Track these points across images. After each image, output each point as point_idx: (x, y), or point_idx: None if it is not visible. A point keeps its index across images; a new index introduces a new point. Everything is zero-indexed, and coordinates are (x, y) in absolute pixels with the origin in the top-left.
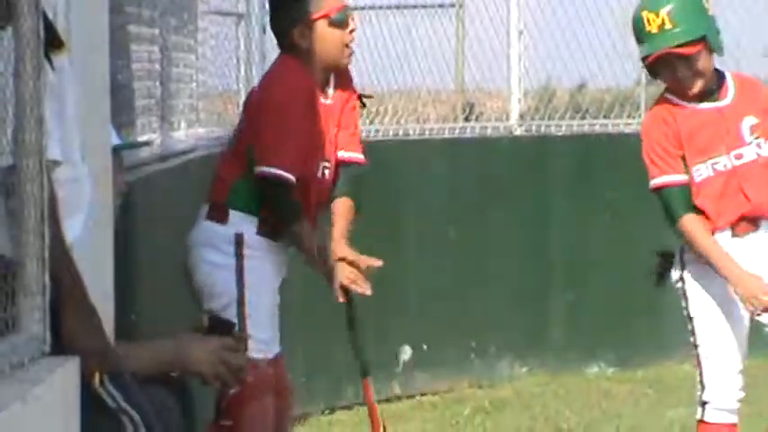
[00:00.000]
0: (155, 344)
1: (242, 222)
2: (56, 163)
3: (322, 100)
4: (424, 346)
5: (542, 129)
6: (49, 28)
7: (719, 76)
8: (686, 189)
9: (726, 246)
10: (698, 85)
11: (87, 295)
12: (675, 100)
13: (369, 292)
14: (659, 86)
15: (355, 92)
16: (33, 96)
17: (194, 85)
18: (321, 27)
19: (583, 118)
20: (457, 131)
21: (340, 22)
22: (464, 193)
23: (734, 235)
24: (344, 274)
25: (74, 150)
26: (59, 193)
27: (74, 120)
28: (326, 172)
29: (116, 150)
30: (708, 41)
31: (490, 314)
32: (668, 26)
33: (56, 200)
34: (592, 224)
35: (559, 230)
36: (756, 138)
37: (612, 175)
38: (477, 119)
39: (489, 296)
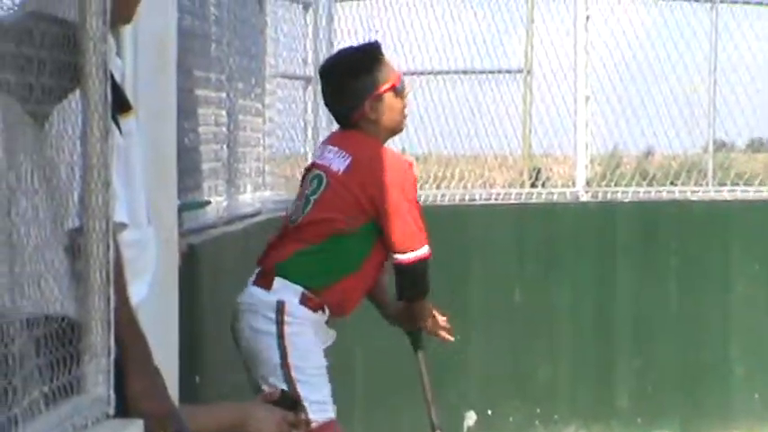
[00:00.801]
0: (219, 406)
1: (285, 290)
2: (122, 225)
3: None
4: (489, 412)
5: (608, 195)
6: (117, 91)
7: None
8: None
9: None
10: None
11: (152, 357)
12: None
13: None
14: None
15: None
16: (100, 159)
17: (261, 148)
18: (389, 98)
19: (650, 185)
20: (523, 197)
21: (402, 92)
22: (530, 258)
23: None
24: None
25: (140, 213)
26: (125, 254)
27: (140, 182)
28: None
29: (177, 212)
30: None
31: (555, 380)
32: None
33: (122, 262)
34: (658, 291)
35: (625, 297)
36: None
37: (679, 242)
38: (543, 184)
39: (555, 362)
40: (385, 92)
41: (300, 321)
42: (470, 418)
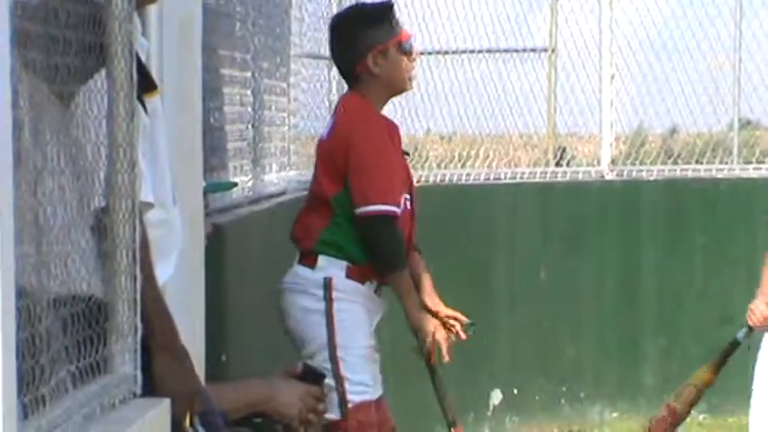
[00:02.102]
0: (245, 384)
1: (331, 267)
2: (148, 205)
3: None
4: (515, 390)
5: (633, 174)
6: (143, 71)
7: None
8: None
9: None
10: None
11: (178, 336)
12: None
13: (449, 359)
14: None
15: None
16: (126, 139)
17: (286, 128)
18: (393, 53)
19: (674, 163)
20: (548, 176)
21: (409, 50)
22: (555, 237)
23: None
24: (439, 335)
25: (166, 193)
26: (151, 234)
27: (166, 162)
28: (408, 203)
29: (202, 192)
30: None
31: (581, 359)
32: None
33: (148, 242)
34: (683, 269)
35: (650, 275)
36: None
37: (703, 220)
38: (568, 163)
39: (580, 341)
40: (389, 47)
41: (350, 297)
42: (496, 396)
